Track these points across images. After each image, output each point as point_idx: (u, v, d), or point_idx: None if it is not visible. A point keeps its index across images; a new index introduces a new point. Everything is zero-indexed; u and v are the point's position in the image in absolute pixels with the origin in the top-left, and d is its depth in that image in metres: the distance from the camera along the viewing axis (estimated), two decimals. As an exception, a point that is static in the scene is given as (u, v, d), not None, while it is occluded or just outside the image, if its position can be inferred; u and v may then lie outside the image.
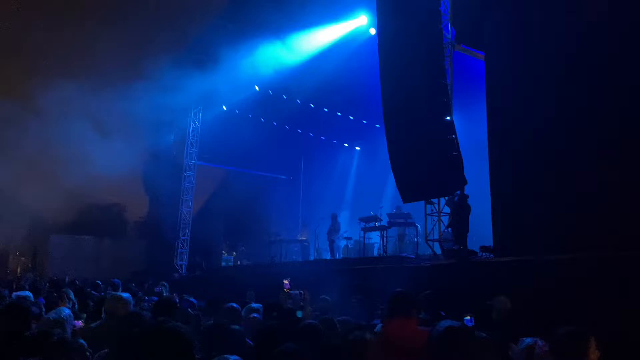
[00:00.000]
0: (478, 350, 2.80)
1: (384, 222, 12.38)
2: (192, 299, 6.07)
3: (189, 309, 5.45)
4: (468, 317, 4.04)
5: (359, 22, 14.39)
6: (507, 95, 8.52)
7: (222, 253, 19.22)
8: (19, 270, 25.22)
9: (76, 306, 6.39)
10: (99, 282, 9.19)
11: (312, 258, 15.23)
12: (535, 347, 3.08)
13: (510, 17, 8.65)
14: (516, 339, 3.65)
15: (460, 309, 6.20)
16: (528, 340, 3.16)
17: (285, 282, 6.99)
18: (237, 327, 3.94)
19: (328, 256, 14.42)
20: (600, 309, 5.50)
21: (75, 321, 4.69)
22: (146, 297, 8.00)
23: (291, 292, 6.83)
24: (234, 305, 4.83)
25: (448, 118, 9.30)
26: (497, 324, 5.47)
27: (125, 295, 4.62)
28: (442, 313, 5.95)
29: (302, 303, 6.48)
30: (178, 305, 5.13)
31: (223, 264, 18.51)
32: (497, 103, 8.66)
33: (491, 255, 8.09)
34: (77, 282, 10.58)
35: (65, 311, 3.71)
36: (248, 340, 3.80)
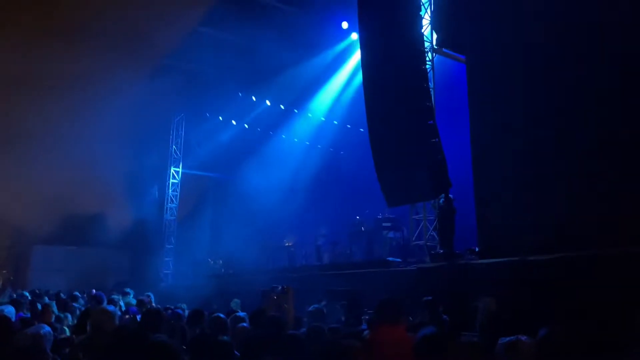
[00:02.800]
0: (458, 355, 2.82)
1: (370, 226, 12.40)
2: (178, 310, 6.01)
3: (175, 321, 5.39)
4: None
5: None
6: (488, 98, 8.61)
7: (209, 261, 19.08)
8: (0, 283, 24.76)
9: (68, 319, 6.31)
10: (77, 294, 9.05)
11: (298, 264, 15.19)
12: (518, 344, 3.09)
13: (491, 20, 8.75)
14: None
15: (448, 312, 6.27)
16: (507, 339, 3.17)
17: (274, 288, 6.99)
18: (225, 337, 3.90)
19: (315, 262, 14.39)
20: (585, 309, 5.57)
21: (59, 336, 4.62)
22: (131, 309, 7.90)
23: (276, 288, 6.83)
24: (220, 315, 4.79)
25: (431, 122, 9.37)
26: (483, 326, 5.52)
27: (111, 308, 4.56)
28: (445, 317, 5.99)
29: (285, 305, 6.48)
30: (164, 316, 5.07)
31: (208, 271, 18.37)
32: (479, 106, 8.74)
33: (477, 257, 8.15)
34: (62, 295, 10.41)
35: (45, 328, 3.65)
36: (235, 351, 3.77)
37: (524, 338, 3.08)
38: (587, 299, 5.64)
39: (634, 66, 6.40)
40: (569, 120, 7.15)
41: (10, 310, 5.84)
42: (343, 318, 6.46)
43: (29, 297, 10.34)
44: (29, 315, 6.85)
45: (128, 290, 10.01)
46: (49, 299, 9.57)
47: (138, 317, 6.58)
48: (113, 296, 9.15)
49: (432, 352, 2.45)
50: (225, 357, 3.35)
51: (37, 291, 12.72)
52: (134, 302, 9.06)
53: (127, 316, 7.06)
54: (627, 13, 6.56)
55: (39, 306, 7.51)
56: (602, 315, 5.31)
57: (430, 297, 6.18)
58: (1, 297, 11.22)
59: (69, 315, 6.94)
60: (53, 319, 6.44)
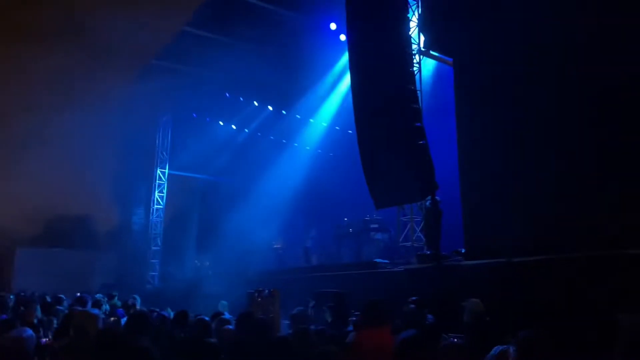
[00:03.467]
0: (439, 357, 2.84)
1: (358, 228, 12.41)
2: (164, 312, 5.96)
3: (161, 324, 5.34)
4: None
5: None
6: (475, 100, 8.66)
7: (195, 262, 18.98)
8: (-17, 285, 24.38)
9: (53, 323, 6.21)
10: (62, 296, 8.93)
11: (287, 266, 15.17)
12: (508, 353, 3.12)
13: (478, 23, 8.80)
14: (487, 341, 3.69)
15: (437, 313, 6.29)
16: (500, 347, 3.20)
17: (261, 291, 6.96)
18: (212, 340, 3.88)
19: (303, 263, 14.38)
20: (570, 310, 5.62)
21: (42, 339, 4.56)
22: (115, 310, 7.82)
23: (262, 292, 6.81)
24: (204, 318, 4.75)
25: (418, 124, 9.39)
26: (469, 326, 5.54)
27: (95, 311, 4.51)
28: (430, 317, 6.01)
29: (271, 307, 6.46)
30: (150, 319, 5.03)
31: (195, 273, 18.28)
32: (466, 108, 8.79)
33: (463, 259, 8.19)
34: (47, 298, 10.27)
35: (28, 331, 3.59)
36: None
37: (512, 349, 3.11)
38: (572, 300, 5.70)
39: (622, 66, 6.46)
40: (555, 122, 7.22)
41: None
42: (329, 320, 6.45)
43: (13, 300, 10.19)
44: (9, 317, 6.74)
45: (114, 293, 9.93)
46: (34, 301, 9.43)
47: (123, 320, 6.53)
48: (97, 296, 9.06)
49: (412, 355, 2.45)
50: (212, 359, 3.33)
51: (21, 294, 12.54)
52: (119, 304, 8.98)
53: (112, 319, 6.99)
54: (615, 15, 6.64)
55: (22, 309, 7.40)
56: (586, 316, 5.37)
57: (415, 298, 6.20)
58: None
59: (54, 319, 6.84)
60: (36, 322, 6.34)
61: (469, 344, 4.77)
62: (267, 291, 6.63)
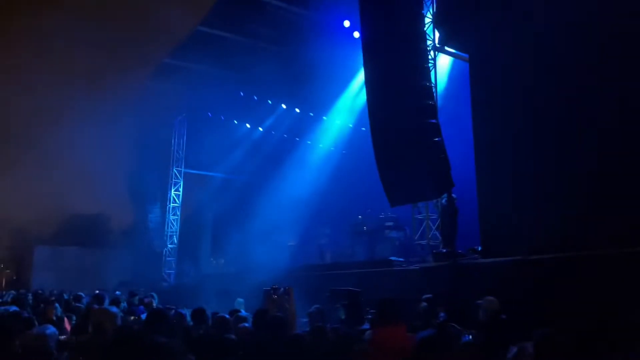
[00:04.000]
0: (457, 357, 2.82)
1: (372, 226, 12.37)
2: (182, 310, 6.01)
3: (179, 321, 5.39)
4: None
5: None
6: (491, 97, 8.58)
7: (211, 260, 19.10)
8: (3, 282, 24.84)
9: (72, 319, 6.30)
10: (81, 294, 9.06)
11: (301, 263, 15.18)
12: (525, 350, 3.10)
13: (494, 18, 8.71)
14: (503, 340, 3.66)
15: (450, 311, 6.25)
16: (517, 346, 3.17)
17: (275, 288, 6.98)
18: (231, 336, 3.90)
19: (318, 261, 14.38)
20: (585, 308, 5.55)
21: (61, 336, 4.61)
22: (133, 308, 7.90)
23: (277, 288, 6.83)
24: (225, 315, 4.78)
25: (434, 120, 9.32)
26: (484, 325, 5.50)
27: (113, 308, 4.56)
28: (442, 315, 5.98)
29: (287, 305, 6.48)
30: (168, 317, 5.07)
31: (211, 271, 18.40)
32: (482, 105, 8.71)
33: (479, 257, 8.13)
34: (65, 296, 10.41)
35: (50, 328, 3.65)
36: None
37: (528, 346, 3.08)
38: (588, 298, 5.62)
39: (636, 68, 6.37)
40: (573, 119, 7.13)
41: (15, 311, 5.85)
42: (343, 317, 6.46)
43: (32, 298, 10.35)
44: (31, 315, 6.84)
45: (135, 291, 10.02)
46: (53, 299, 9.58)
47: (143, 317, 6.58)
48: (117, 293, 9.13)
49: (430, 355, 2.44)
50: (232, 356, 3.34)
51: (39, 291, 12.73)
52: (136, 302, 9.06)
53: (132, 317, 7.06)
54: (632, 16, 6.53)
55: (42, 306, 7.51)
56: (602, 314, 5.29)
57: (428, 295, 6.17)
58: (5, 296, 11.22)
59: (74, 316, 6.94)
60: (55, 320, 6.43)
61: (484, 343, 4.74)
62: (282, 289, 6.65)
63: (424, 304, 6.39)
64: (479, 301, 5.75)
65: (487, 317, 5.60)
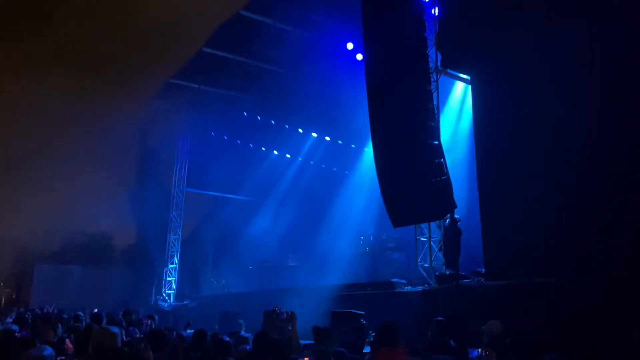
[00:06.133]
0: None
1: (375, 247, 12.30)
2: (182, 332, 5.94)
3: (179, 342, 5.32)
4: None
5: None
6: (493, 118, 8.60)
7: (211, 281, 18.97)
8: (2, 301, 24.66)
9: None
10: (80, 314, 8.98)
11: (302, 284, 15.06)
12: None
13: (496, 41, 8.78)
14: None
15: (454, 335, 6.18)
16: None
17: (276, 309, 6.89)
18: (231, 359, 3.85)
19: (318, 282, 14.26)
20: (592, 332, 5.48)
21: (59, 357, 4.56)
22: (131, 329, 7.81)
23: (279, 313, 6.75)
24: (224, 337, 4.73)
25: (436, 142, 9.34)
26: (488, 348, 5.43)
27: (114, 328, 4.51)
28: (452, 343, 5.90)
29: (290, 327, 6.39)
30: (168, 338, 5.02)
31: (211, 292, 18.26)
32: (484, 127, 8.74)
33: (483, 279, 8.06)
34: (65, 316, 10.31)
35: (48, 349, 3.60)
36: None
37: None
38: (595, 322, 5.55)
39: None
40: (576, 140, 7.12)
41: (14, 330, 5.80)
42: (351, 340, 6.38)
43: (30, 317, 10.26)
44: (30, 334, 6.76)
45: (131, 310, 9.92)
46: (52, 318, 9.49)
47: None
48: (115, 313, 9.03)
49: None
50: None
51: (37, 311, 12.63)
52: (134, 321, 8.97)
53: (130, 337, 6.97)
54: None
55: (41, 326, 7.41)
56: (607, 337, 5.23)
57: (440, 319, 6.11)
58: (7, 316, 11.11)
59: (72, 336, 6.85)
60: (56, 340, 6.36)
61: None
62: (285, 314, 6.56)
63: (435, 327, 6.32)
64: (483, 327, 5.70)
65: (491, 340, 5.54)
